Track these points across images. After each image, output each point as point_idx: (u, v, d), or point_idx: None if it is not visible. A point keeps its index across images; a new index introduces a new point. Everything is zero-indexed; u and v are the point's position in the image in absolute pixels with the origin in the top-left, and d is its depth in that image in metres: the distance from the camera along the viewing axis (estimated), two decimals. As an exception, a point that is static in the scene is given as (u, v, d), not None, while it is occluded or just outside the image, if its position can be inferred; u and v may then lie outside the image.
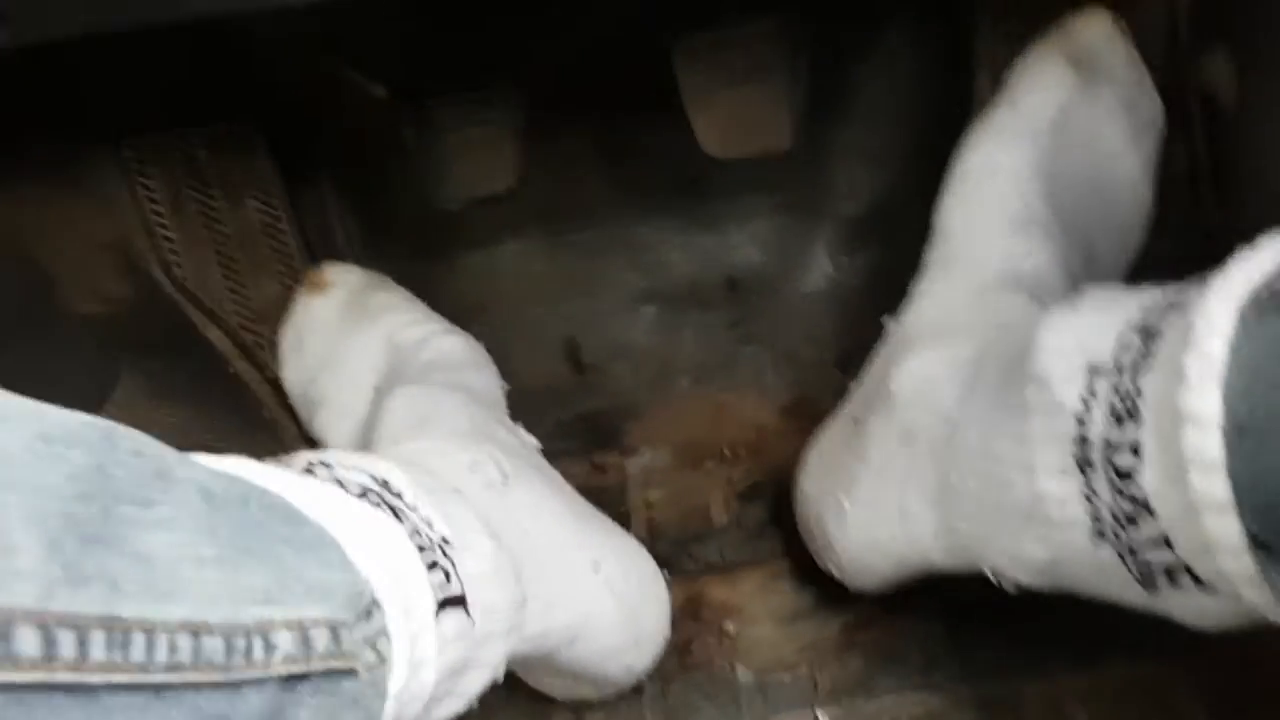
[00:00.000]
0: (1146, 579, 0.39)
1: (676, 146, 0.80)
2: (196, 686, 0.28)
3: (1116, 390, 0.38)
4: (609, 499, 0.74)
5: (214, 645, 0.29)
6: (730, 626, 0.65)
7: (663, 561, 0.63)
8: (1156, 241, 0.74)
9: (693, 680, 0.62)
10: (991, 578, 0.48)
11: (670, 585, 0.63)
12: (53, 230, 0.69)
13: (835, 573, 0.60)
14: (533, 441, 0.64)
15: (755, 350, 0.83)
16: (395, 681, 0.37)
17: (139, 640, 0.27)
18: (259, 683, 0.30)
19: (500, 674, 0.46)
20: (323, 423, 0.71)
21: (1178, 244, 0.78)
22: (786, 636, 0.63)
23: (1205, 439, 0.32)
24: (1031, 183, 0.64)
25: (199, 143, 0.73)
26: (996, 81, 0.72)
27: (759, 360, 0.83)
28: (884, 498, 0.54)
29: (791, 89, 0.66)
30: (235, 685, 0.30)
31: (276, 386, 0.75)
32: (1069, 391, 0.40)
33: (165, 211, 0.74)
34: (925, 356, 0.54)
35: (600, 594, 0.56)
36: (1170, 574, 0.37)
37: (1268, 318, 0.32)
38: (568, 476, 0.63)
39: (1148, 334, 0.37)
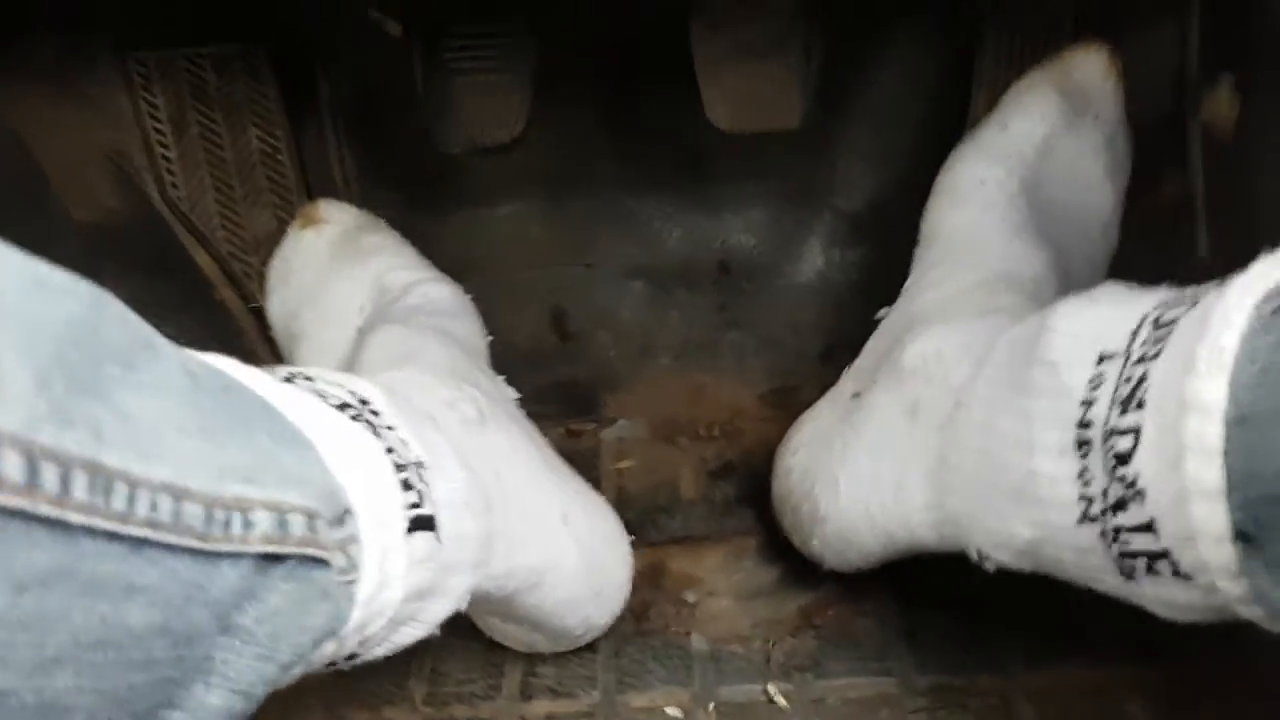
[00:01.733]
0: (1126, 566, 0.39)
1: (682, 124, 0.80)
2: (175, 550, 0.28)
3: (1124, 376, 0.38)
4: (580, 465, 0.73)
5: (194, 511, 0.29)
6: (690, 597, 0.65)
7: (628, 529, 0.63)
8: (1147, 273, 0.75)
9: (647, 644, 0.62)
10: (974, 557, 0.49)
11: (634, 551, 0.63)
12: (53, 132, 0.69)
13: (816, 548, 0.60)
14: (512, 393, 0.64)
15: (740, 335, 0.84)
16: (364, 589, 0.37)
17: (121, 490, 0.26)
18: (235, 557, 0.30)
19: (463, 606, 0.46)
20: (303, 357, 0.70)
21: (1167, 275, 0.79)
22: (744, 611, 0.64)
23: (1207, 427, 0.33)
24: (1019, 198, 0.66)
25: (207, 65, 0.73)
26: (993, 99, 0.74)
27: (742, 345, 0.83)
28: (881, 471, 0.54)
29: (804, 69, 0.66)
30: (212, 556, 0.29)
31: (260, 317, 0.75)
32: (1077, 376, 0.41)
33: (166, 130, 0.73)
34: (938, 333, 0.55)
35: (566, 544, 0.56)
36: (1150, 561, 0.37)
37: None
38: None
39: (1161, 325, 0.38)
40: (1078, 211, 0.70)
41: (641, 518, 0.70)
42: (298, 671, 0.36)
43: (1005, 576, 0.53)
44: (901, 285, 0.65)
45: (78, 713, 0.27)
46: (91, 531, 0.26)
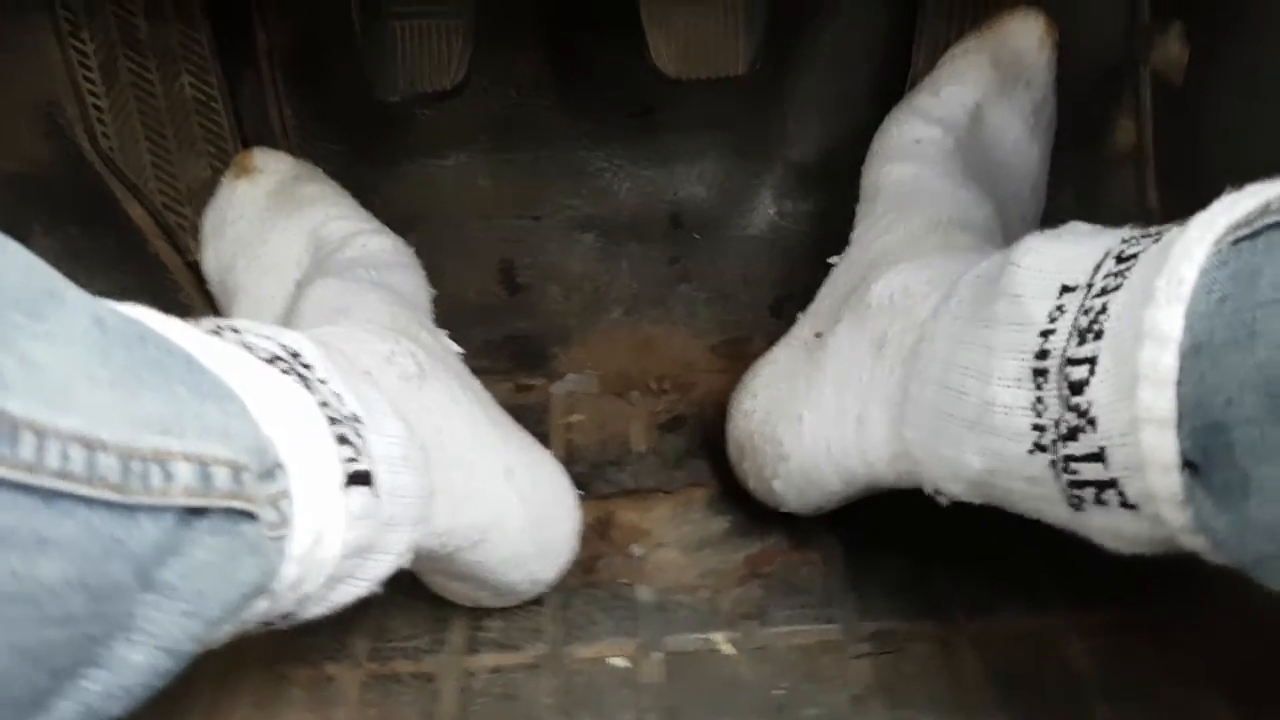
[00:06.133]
0: (1074, 497, 0.40)
1: (632, 73, 0.79)
2: (90, 503, 0.27)
3: (1084, 308, 0.39)
4: (529, 419, 0.72)
5: (109, 463, 0.28)
6: (637, 549, 0.65)
7: (577, 482, 0.63)
8: (1098, 221, 0.75)
9: (594, 596, 0.62)
10: (927, 490, 0.50)
11: (582, 504, 0.62)
12: (-25, 79, 0.66)
13: (777, 488, 0.60)
14: (455, 348, 0.63)
15: (690, 288, 0.83)
16: (297, 545, 0.36)
17: (28, 439, 0.25)
18: (156, 511, 0.29)
19: (405, 563, 0.45)
20: (239, 312, 0.69)
21: (1118, 223, 0.80)
22: (692, 562, 0.64)
23: (1162, 356, 0.34)
24: (956, 155, 0.67)
25: (137, 10, 0.70)
26: (933, 55, 0.74)
27: (693, 298, 0.83)
28: (845, 406, 0.54)
29: (750, 14, 0.65)
30: (131, 510, 0.28)
31: (196, 271, 0.73)
32: (1039, 307, 0.41)
33: (96, 78, 0.71)
34: (904, 270, 0.55)
35: (510, 500, 0.55)
36: (1098, 491, 0.38)
37: (1242, 246, 0.33)
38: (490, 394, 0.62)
39: (1124, 259, 0.38)
40: (1007, 172, 0.71)
41: (591, 471, 0.70)
42: (229, 629, 0.36)
43: (948, 526, 0.54)
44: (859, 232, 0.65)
45: None
46: None
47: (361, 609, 0.60)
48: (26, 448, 0.25)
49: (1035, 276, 0.42)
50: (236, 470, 0.32)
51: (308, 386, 0.39)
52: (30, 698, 0.28)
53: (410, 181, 0.82)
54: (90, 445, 0.27)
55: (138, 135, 0.72)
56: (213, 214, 0.71)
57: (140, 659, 0.30)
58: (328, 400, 0.40)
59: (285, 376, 0.39)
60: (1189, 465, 0.34)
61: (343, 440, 0.39)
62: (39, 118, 0.71)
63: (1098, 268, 0.40)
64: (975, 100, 0.69)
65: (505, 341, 0.81)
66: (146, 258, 0.73)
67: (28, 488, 0.26)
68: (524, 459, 0.58)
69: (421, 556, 0.49)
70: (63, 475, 0.26)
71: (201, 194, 0.73)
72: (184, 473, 0.30)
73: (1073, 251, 0.42)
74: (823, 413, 0.56)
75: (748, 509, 0.65)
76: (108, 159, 0.71)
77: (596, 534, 0.65)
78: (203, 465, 0.31)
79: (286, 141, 0.78)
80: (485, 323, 0.81)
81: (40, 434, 0.26)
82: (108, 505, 0.28)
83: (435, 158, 0.82)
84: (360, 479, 0.40)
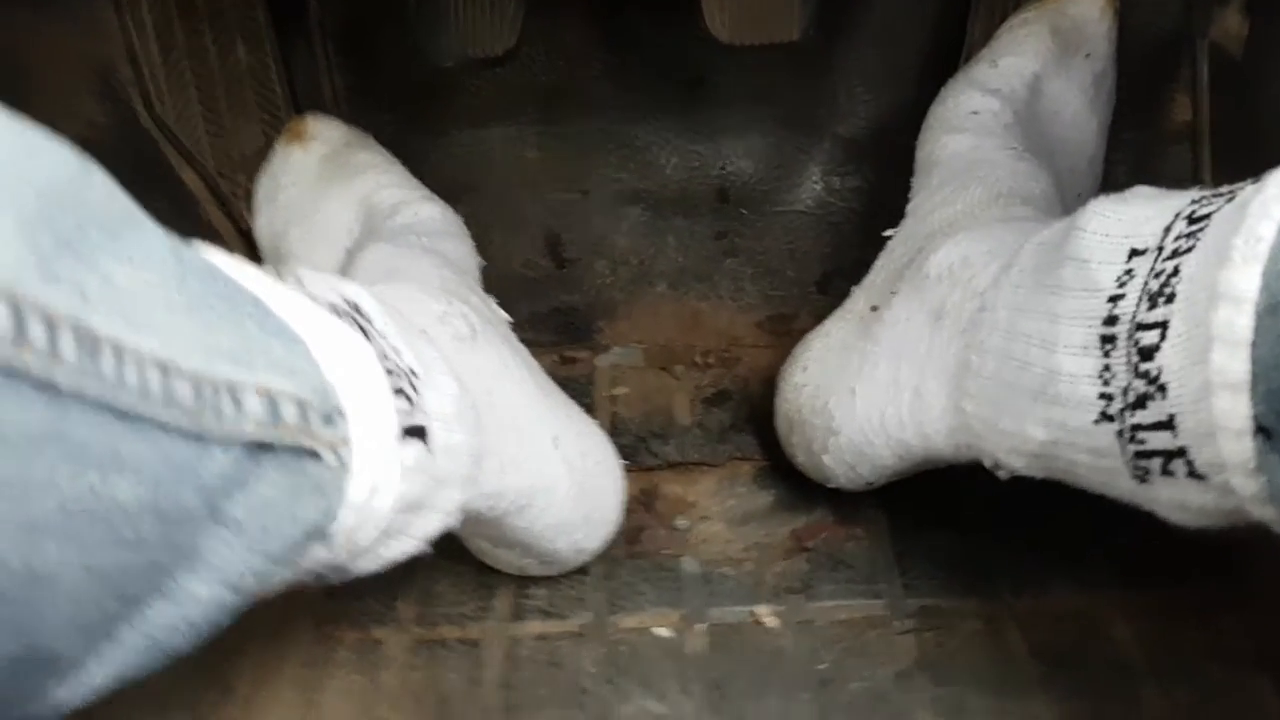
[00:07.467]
0: (1140, 468, 0.39)
1: (680, 43, 0.79)
2: (165, 427, 0.27)
3: (1155, 271, 0.38)
4: (575, 391, 0.73)
5: (184, 389, 0.28)
6: (681, 522, 0.65)
7: (622, 454, 0.63)
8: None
9: (639, 566, 0.62)
10: (987, 464, 0.49)
11: (626, 476, 0.62)
12: (37, 46, 0.67)
13: (827, 463, 0.59)
14: (505, 316, 0.63)
15: (737, 263, 0.83)
16: (355, 493, 0.36)
17: (109, 357, 0.25)
18: (226, 441, 0.29)
19: (454, 523, 0.46)
20: (292, 277, 0.69)
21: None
22: (736, 535, 0.64)
23: (1238, 316, 0.33)
24: (1014, 127, 0.66)
25: (192, -24, 0.71)
26: (990, 26, 0.73)
27: (740, 273, 0.82)
28: (900, 379, 0.53)
29: (805, -21, 0.64)
30: (202, 438, 0.29)
31: (248, 238, 0.74)
32: (1107, 273, 0.40)
33: (152, 45, 0.71)
34: (963, 240, 0.54)
35: (556, 467, 0.55)
36: (1166, 461, 0.37)
37: None
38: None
39: (1196, 220, 0.37)
40: (1064, 145, 0.69)
41: (635, 444, 0.70)
42: (286, 573, 0.36)
43: (995, 503, 0.53)
44: (900, 214, 0.64)
45: (65, 587, 0.26)
46: (80, 397, 0.25)
47: (409, 575, 0.61)
48: (108, 364, 0.26)
49: (1102, 241, 0.41)
50: (303, 407, 0.32)
51: (367, 337, 0.40)
52: (100, 623, 0.28)
53: (458, 152, 0.82)
54: (166, 369, 0.27)
55: (192, 102, 0.72)
56: (266, 180, 0.72)
57: (205, 592, 0.31)
58: (386, 353, 0.40)
59: (345, 325, 0.39)
60: (1262, 430, 0.33)
61: (399, 393, 0.40)
62: (95, 83, 0.71)
63: (1167, 230, 0.38)
64: (1034, 71, 0.68)
65: (551, 314, 0.81)
66: (200, 224, 0.74)
67: (108, 406, 0.26)
68: (571, 428, 0.58)
69: (469, 519, 0.49)
70: (142, 395, 0.26)
71: (255, 161, 0.73)
72: (254, 405, 0.30)
73: (1140, 214, 0.41)
74: (877, 385, 0.55)
75: (793, 483, 0.65)
76: (163, 125, 0.72)
77: (641, 505, 0.65)
78: (271, 399, 0.31)
79: (338, 110, 0.78)
80: (531, 295, 0.81)
81: (120, 352, 0.26)
82: (181, 431, 0.28)
83: (483, 129, 0.82)
84: (415, 433, 0.40)
